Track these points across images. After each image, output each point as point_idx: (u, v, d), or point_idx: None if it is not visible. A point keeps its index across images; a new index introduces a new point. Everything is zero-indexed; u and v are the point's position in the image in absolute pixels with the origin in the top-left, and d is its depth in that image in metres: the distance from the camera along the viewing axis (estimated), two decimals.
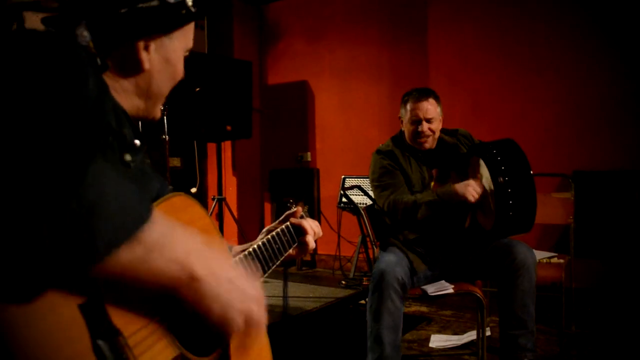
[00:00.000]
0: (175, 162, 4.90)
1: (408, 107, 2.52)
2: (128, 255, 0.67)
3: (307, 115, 5.26)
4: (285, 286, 2.93)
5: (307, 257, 4.68)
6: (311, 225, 1.32)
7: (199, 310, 0.78)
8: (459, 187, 2.33)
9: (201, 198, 4.97)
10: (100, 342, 0.69)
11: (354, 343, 2.86)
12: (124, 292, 0.74)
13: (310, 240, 1.31)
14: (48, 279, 0.64)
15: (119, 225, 0.65)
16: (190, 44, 1.00)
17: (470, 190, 2.30)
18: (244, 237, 4.16)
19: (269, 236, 1.22)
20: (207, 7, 1.00)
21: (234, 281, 0.82)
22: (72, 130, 0.65)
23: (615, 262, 3.48)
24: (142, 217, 0.69)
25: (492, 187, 2.25)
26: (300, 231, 1.31)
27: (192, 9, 0.93)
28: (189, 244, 0.76)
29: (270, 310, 3.09)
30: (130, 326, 0.75)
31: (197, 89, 3.33)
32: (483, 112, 4.19)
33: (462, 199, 2.31)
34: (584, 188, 3.47)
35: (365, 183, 4.04)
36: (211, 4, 4.97)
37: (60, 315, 0.66)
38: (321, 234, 1.36)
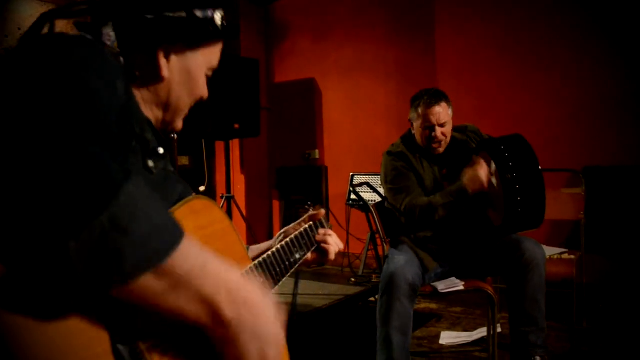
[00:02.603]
0: (183, 160, 4.92)
1: (420, 112, 2.47)
2: (153, 284, 0.62)
3: (314, 113, 5.25)
4: (296, 284, 2.92)
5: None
6: (335, 241, 1.33)
7: (224, 355, 0.72)
8: (469, 181, 2.32)
9: (210, 196, 4.95)
10: (120, 347, 0.68)
11: (363, 340, 2.86)
12: None
13: (332, 250, 1.31)
14: (72, 289, 0.62)
15: (149, 249, 0.61)
16: (214, 63, 0.99)
17: (480, 180, 2.30)
18: (253, 234, 4.17)
19: (288, 239, 1.21)
20: (235, 29, 1.00)
21: (267, 333, 0.74)
22: (109, 135, 0.64)
23: (626, 257, 3.45)
24: (173, 244, 0.63)
25: (500, 183, 2.24)
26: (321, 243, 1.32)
27: (220, 28, 0.92)
28: (219, 281, 0.69)
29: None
30: (150, 332, 0.74)
31: None
32: (491, 109, 4.17)
33: (479, 189, 2.31)
34: (595, 183, 3.44)
35: (374, 180, 4.04)
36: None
37: (81, 318, 0.65)
38: (342, 246, 1.36)
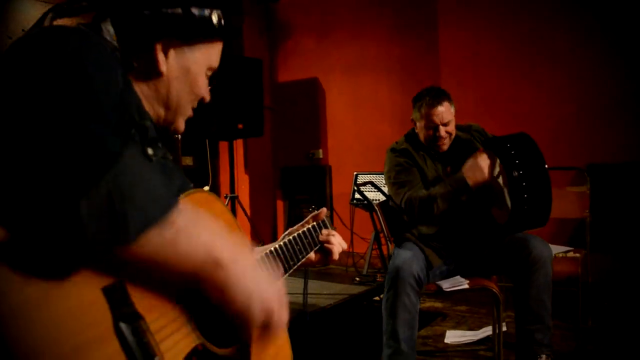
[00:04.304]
0: (187, 160, 4.92)
1: (422, 112, 2.47)
2: (157, 238, 0.69)
3: (318, 112, 5.25)
4: (305, 283, 2.92)
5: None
6: (339, 241, 1.33)
7: (221, 298, 0.79)
8: (468, 170, 2.33)
9: None
10: (122, 325, 0.70)
11: (368, 339, 2.86)
12: (148, 277, 0.75)
13: (335, 251, 1.31)
14: (78, 259, 0.66)
15: (150, 207, 0.68)
16: (214, 63, 1.01)
17: (480, 168, 2.30)
18: (257, 234, 4.17)
19: (291, 237, 1.22)
20: (234, 30, 1.03)
21: (257, 271, 0.83)
22: (107, 115, 0.68)
23: (632, 256, 3.43)
24: (170, 202, 0.71)
25: (506, 181, 2.23)
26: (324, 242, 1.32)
27: (217, 27, 0.95)
28: (214, 231, 0.78)
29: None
30: (152, 312, 0.76)
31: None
32: (495, 106, 4.16)
33: (480, 180, 2.30)
34: (600, 181, 3.43)
35: (378, 179, 4.04)
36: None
37: (84, 296, 0.67)
38: (345, 246, 1.36)
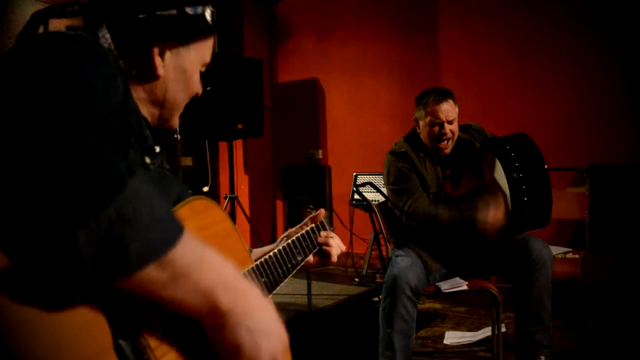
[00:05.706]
0: (187, 161, 4.92)
1: (428, 109, 2.46)
2: (155, 276, 0.65)
3: (317, 113, 5.25)
4: (309, 285, 2.91)
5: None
6: (337, 243, 1.32)
7: (217, 342, 0.76)
8: (481, 206, 2.30)
9: (213, 197, 4.97)
10: (121, 342, 0.69)
11: (367, 340, 2.85)
12: (147, 300, 0.74)
13: (334, 253, 1.31)
14: (75, 283, 0.63)
15: (152, 241, 0.64)
16: (207, 58, 1.01)
17: (492, 220, 2.27)
18: (257, 235, 4.17)
19: (289, 241, 1.21)
20: (224, 23, 1.01)
21: (258, 313, 0.77)
22: (110, 130, 0.65)
23: (631, 256, 3.43)
24: (174, 237, 0.67)
25: (506, 183, 2.23)
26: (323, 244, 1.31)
27: (211, 24, 0.94)
28: (217, 274, 0.72)
29: (284, 307, 3.11)
30: (152, 328, 0.75)
31: (208, 87, 3.33)
32: (495, 107, 4.16)
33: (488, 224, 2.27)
34: (599, 182, 3.43)
35: (377, 180, 4.04)
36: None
37: (83, 313, 0.66)
38: (344, 248, 1.35)
